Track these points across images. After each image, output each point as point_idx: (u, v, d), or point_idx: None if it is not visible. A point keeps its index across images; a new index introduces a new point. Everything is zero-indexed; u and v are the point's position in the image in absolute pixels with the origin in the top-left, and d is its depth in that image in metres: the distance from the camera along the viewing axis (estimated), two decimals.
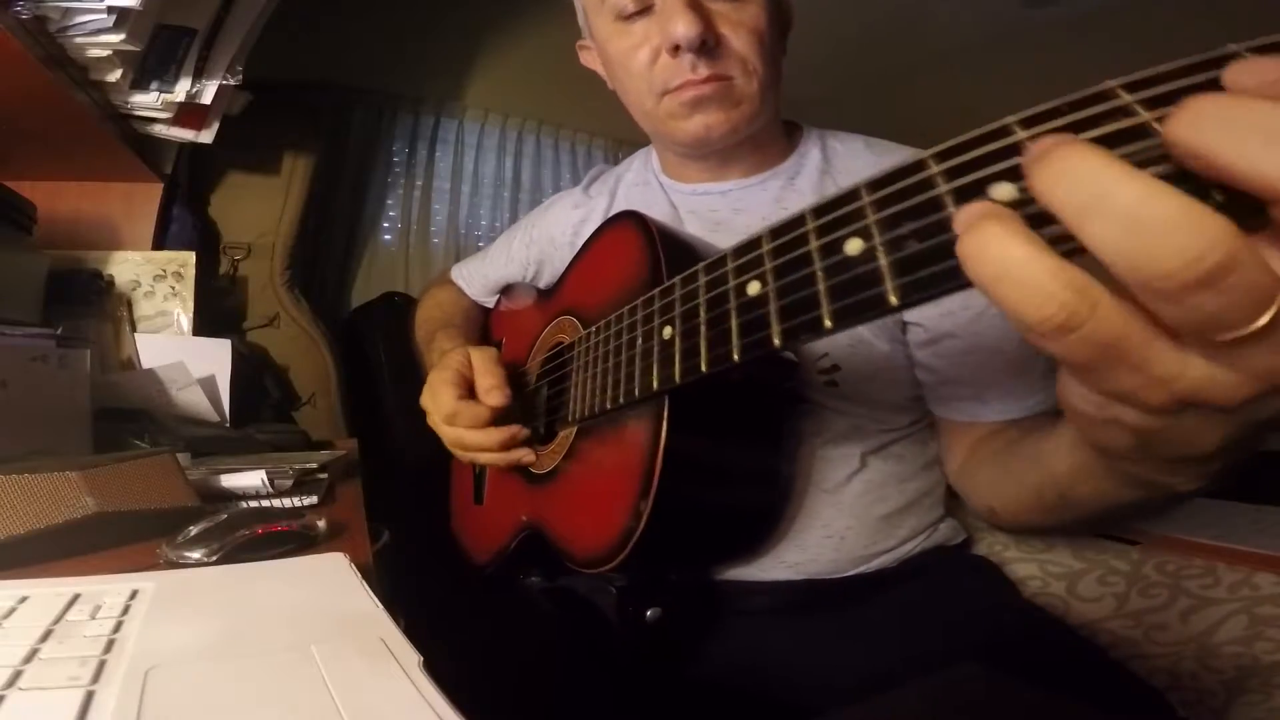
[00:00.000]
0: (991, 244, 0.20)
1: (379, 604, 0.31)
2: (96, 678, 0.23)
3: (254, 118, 1.02)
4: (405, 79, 1.65)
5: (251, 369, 1.12)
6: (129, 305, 0.95)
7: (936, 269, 0.23)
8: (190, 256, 1.00)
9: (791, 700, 0.53)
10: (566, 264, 0.72)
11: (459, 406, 0.60)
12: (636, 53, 0.60)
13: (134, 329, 0.94)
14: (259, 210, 1.28)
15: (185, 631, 0.28)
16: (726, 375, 0.35)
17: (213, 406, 0.91)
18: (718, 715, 0.55)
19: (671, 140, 0.64)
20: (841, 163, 0.65)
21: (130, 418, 0.77)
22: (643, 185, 0.73)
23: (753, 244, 0.33)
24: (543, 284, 0.81)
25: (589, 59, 0.71)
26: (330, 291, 1.65)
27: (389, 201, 1.76)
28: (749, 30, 0.57)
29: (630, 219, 0.59)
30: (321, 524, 0.45)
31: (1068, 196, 0.19)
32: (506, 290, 0.88)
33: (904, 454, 0.62)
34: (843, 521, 0.59)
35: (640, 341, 0.44)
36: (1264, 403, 0.21)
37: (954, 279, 0.23)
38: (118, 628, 0.28)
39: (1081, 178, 0.18)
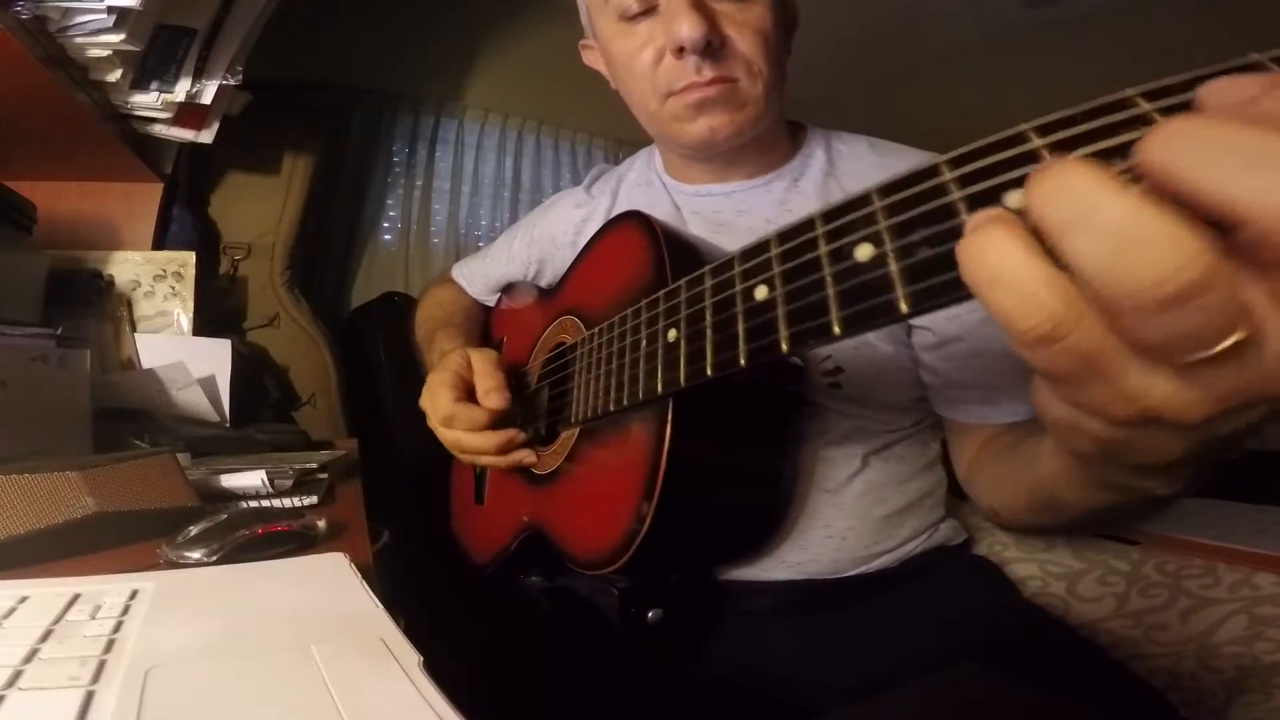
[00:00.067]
0: (991, 247, 0.20)
1: (379, 604, 0.31)
2: (96, 678, 0.23)
3: (254, 118, 1.03)
4: (405, 79, 1.65)
5: (251, 369, 1.12)
6: (129, 305, 0.95)
7: (949, 276, 0.23)
8: (190, 256, 1.00)
9: (792, 700, 0.53)
10: (568, 264, 0.71)
11: (457, 409, 0.60)
12: (640, 54, 0.59)
13: (134, 329, 0.94)
14: (259, 210, 1.28)
15: (185, 631, 0.28)
16: (731, 379, 0.35)
17: (213, 406, 0.91)
18: (718, 715, 0.55)
19: (676, 142, 0.64)
20: (846, 164, 0.65)
21: (130, 418, 0.77)
22: (645, 185, 0.73)
23: (760, 248, 0.33)
24: (544, 283, 0.81)
25: (591, 59, 0.71)
26: (330, 291, 1.65)
27: (389, 201, 1.76)
28: (754, 31, 0.57)
29: (634, 219, 0.59)
30: (321, 524, 0.45)
31: (1056, 213, 0.19)
32: (508, 289, 0.88)
33: (905, 455, 0.62)
34: (844, 522, 0.59)
35: (644, 344, 0.44)
36: (1223, 421, 0.21)
37: (966, 287, 0.22)
38: (118, 628, 0.28)
39: (1073, 194, 0.19)
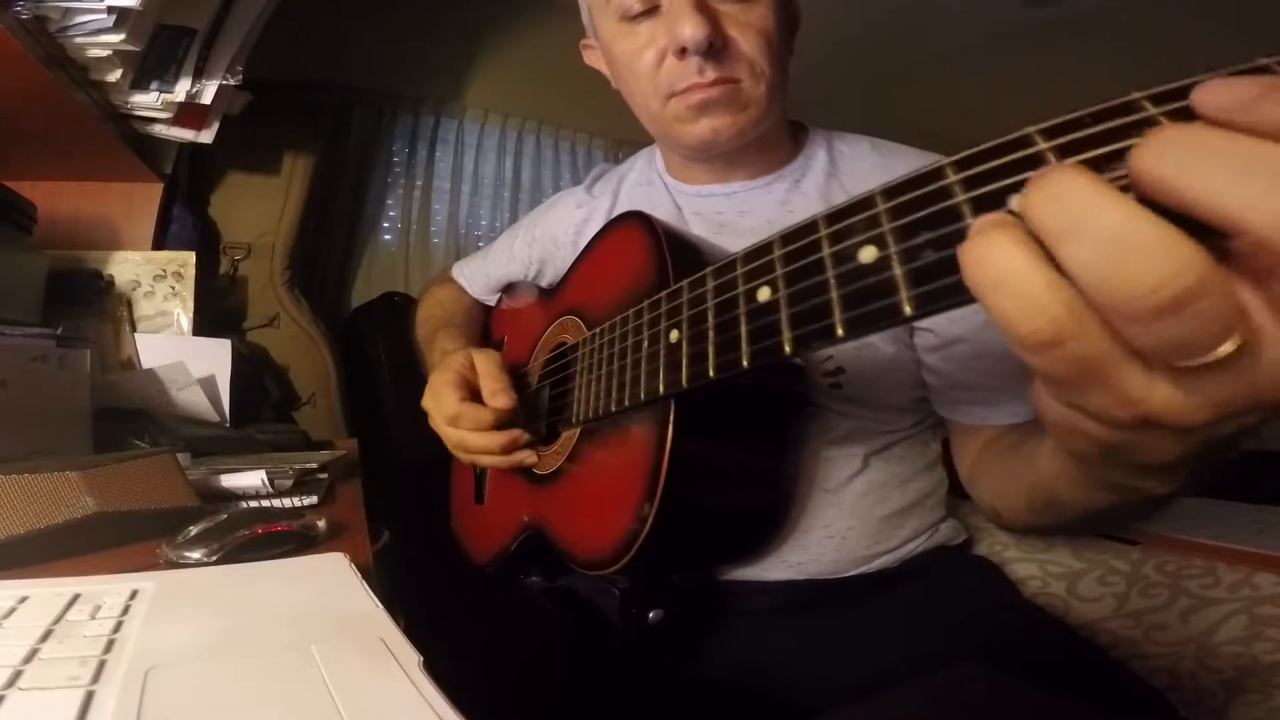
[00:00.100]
0: (994, 252, 0.20)
1: (379, 604, 0.31)
2: (96, 678, 0.23)
3: (254, 118, 1.02)
4: (405, 79, 1.65)
5: (251, 369, 1.12)
6: (129, 305, 0.95)
7: (953, 280, 0.23)
8: (190, 256, 1.00)
9: (792, 700, 0.53)
10: (569, 263, 0.71)
11: (462, 409, 0.60)
12: (642, 54, 0.59)
13: (134, 329, 0.94)
14: (259, 210, 1.28)
15: (185, 631, 0.28)
16: (733, 380, 0.35)
17: (213, 406, 0.91)
18: (719, 715, 0.55)
19: (677, 143, 0.64)
20: (848, 165, 0.65)
21: (130, 418, 0.77)
22: (646, 185, 0.73)
23: (763, 249, 0.33)
24: (545, 283, 0.81)
25: (593, 59, 0.70)
26: (330, 291, 1.65)
27: (389, 201, 1.76)
28: (757, 32, 0.57)
29: (636, 219, 0.59)
30: (321, 524, 0.45)
31: (1053, 219, 0.19)
32: (508, 289, 0.87)
33: (906, 455, 0.63)
34: (844, 522, 0.59)
35: (646, 344, 0.44)
36: (1222, 425, 0.22)
37: (970, 290, 0.22)
38: (118, 628, 0.28)
39: (1069, 201, 0.19)
